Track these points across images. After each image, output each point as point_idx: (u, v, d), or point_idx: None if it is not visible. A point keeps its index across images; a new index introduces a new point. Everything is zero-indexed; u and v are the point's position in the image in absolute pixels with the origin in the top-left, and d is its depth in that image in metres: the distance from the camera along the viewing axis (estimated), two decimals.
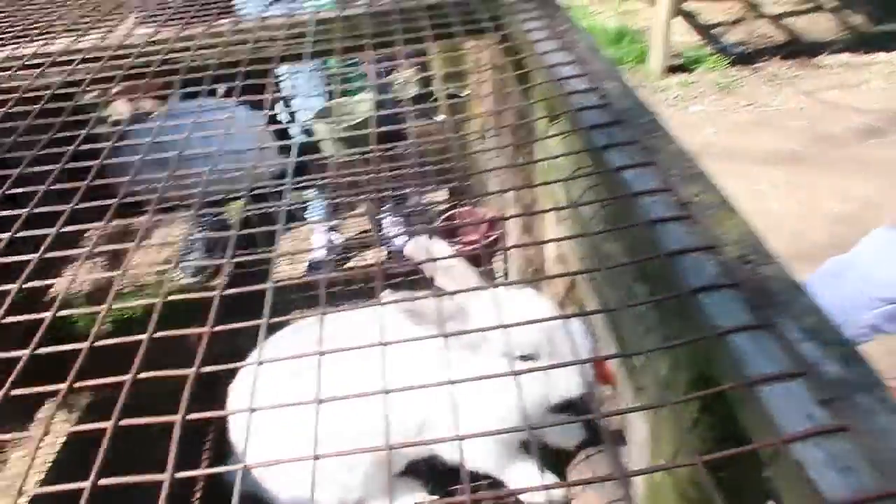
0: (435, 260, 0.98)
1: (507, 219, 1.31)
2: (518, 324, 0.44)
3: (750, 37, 4.58)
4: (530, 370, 0.41)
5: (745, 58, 4.27)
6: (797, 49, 4.34)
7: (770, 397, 0.34)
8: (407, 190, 1.64)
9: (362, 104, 1.68)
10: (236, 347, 0.62)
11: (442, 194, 2.23)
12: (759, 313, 0.39)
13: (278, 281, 0.53)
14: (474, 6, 0.92)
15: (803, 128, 3.64)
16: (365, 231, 2.47)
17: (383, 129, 0.67)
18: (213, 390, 1.02)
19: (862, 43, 4.36)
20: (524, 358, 0.99)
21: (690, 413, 0.45)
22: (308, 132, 1.83)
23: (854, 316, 0.92)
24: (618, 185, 0.52)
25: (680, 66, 4.17)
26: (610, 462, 1.10)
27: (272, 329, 0.56)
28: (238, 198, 1.45)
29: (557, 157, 0.64)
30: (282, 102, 1.93)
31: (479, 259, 1.41)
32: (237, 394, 1.13)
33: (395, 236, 2.36)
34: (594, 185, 0.60)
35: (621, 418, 0.83)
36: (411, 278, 1.43)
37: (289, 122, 2.01)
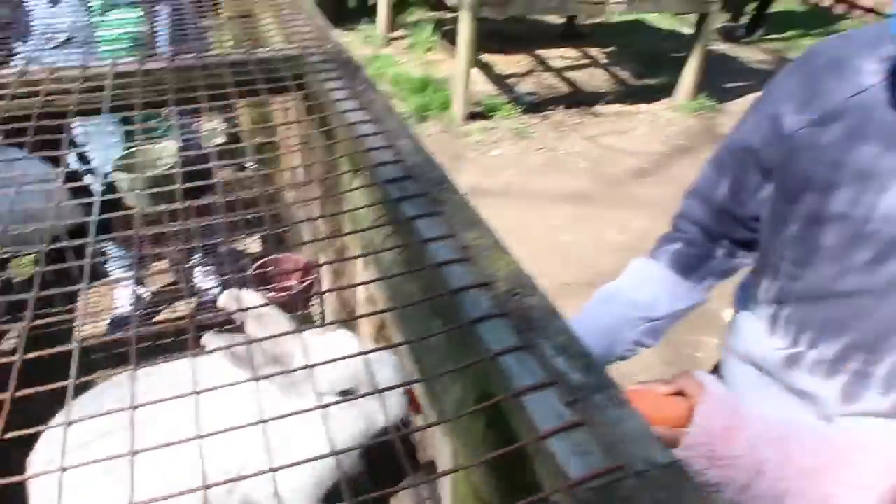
0: (246, 309, 0.99)
1: (320, 265, 1.35)
2: (325, 362, 0.49)
3: (539, 87, 5.08)
4: (338, 402, 0.46)
5: (536, 106, 4.72)
6: (578, 99, 4.89)
7: (530, 404, 0.42)
8: (217, 240, 1.62)
9: (165, 153, 1.64)
10: (32, 417, 0.59)
11: (255, 243, 2.22)
12: (523, 336, 0.47)
13: (84, 340, 0.53)
14: (277, 64, 0.96)
15: (587, 168, 4.10)
16: (174, 283, 2.37)
17: (189, 184, 0.69)
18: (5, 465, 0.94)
19: (629, 94, 5.02)
20: (344, 393, 1.03)
21: (478, 429, 0.52)
22: (109, 184, 1.74)
23: (621, 335, 1.08)
24: (411, 232, 0.60)
25: (480, 114, 4.51)
26: (426, 491, 1.16)
27: (78, 393, 0.55)
28: (29, 254, 1.34)
29: (360, 208, 0.70)
30: (76, 155, 1.82)
31: (295, 305, 1.43)
32: (38, 464, 1.04)
33: (208, 288, 2.28)
34: (392, 233, 0.66)
35: (433, 447, 0.90)
36: (226, 328, 1.42)
37: (86, 172, 1.89)
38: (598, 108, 4.80)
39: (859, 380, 0.97)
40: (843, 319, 0.96)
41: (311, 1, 1.25)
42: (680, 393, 0.88)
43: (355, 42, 5.53)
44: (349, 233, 0.75)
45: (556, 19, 6.12)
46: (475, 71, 5.10)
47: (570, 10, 4.40)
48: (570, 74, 5.35)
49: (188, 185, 0.69)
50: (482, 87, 4.94)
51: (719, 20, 5.36)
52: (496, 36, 5.70)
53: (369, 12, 5.80)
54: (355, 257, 0.77)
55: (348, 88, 0.89)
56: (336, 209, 0.93)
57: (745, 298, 1.16)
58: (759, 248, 1.07)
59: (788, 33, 6.64)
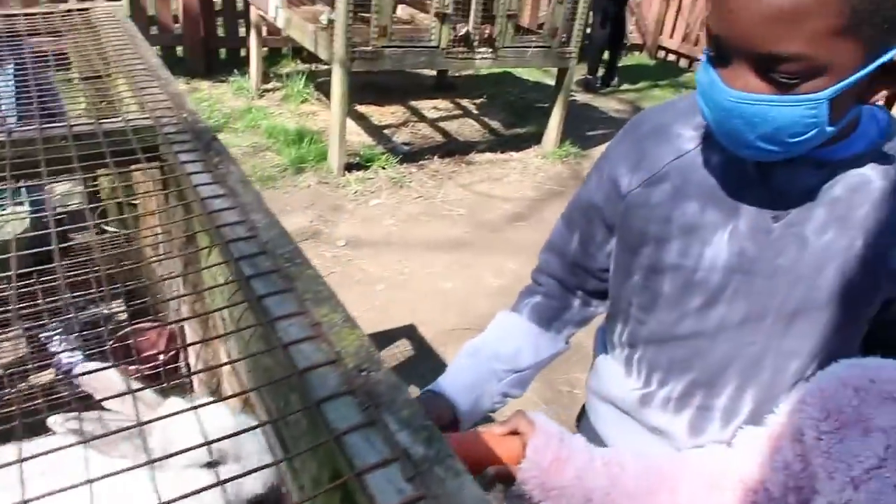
0: (101, 385, 0.94)
1: (188, 345, 1.31)
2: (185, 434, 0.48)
3: (414, 137, 5.20)
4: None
5: (412, 156, 4.83)
6: (452, 148, 5.05)
7: (373, 482, 0.43)
8: (72, 310, 1.53)
9: (7, 224, 1.54)
10: None
11: (119, 312, 2.10)
12: (369, 412, 0.49)
13: None
14: (128, 135, 0.94)
15: (465, 215, 4.22)
16: (24, 356, 2.18)
17: (36, 249, 0.66)
18: None
19: (500, 143, 5.25)
20: (210, 465, 0.99)
21: None
22: None
23: (489, 388, 1.12)
24: (263, 311, 0.60)
25: (357, 164, 4.55)
26: None
27: None
28: None
29: (214, 287, 0.70)
30: None
31: (161, 375, 1.37)
32: None
33: (67, 360, 2.12)
34: (248, 309, 0.67)
35: None
36: (85, 403, 1.33)
37: None
38: (472, 156, 4.98)
39: (703, 413, 1.06)
40: (685, 359, 1.05)
41: (163, 66, 1.24)
42: (515, 432, 0.93)
43: (227, 94, 5.44)
44: (206, 313, 0.75)
45: (429, 71, 6.33)
46: (351, 122, 5.15)
47: (438, 65, 4.57)
48: (444, 124, 5.52)
49: (34, 250, 0.65)
50: (358, 137, 5.00)
51: (578, 73, 5.75)
52: (371, 87, 5.81)
53: (241, 63, 5.74)
54: (215, 337, 0.76)
55: (202, 161, 0.88)
56: (196, 281, 0.91)
57: (603, 342, 1.24)
58: (610, 297, 1.15)
59: (641, 84, 7.24)
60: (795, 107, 0.78)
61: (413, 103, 5.80)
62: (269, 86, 5.59)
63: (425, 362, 2.88)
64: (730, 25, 0.78)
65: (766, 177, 0.94)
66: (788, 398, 0.87)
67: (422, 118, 5.58)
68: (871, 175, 0.91)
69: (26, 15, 1.51)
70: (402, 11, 4.89)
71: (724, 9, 0.78)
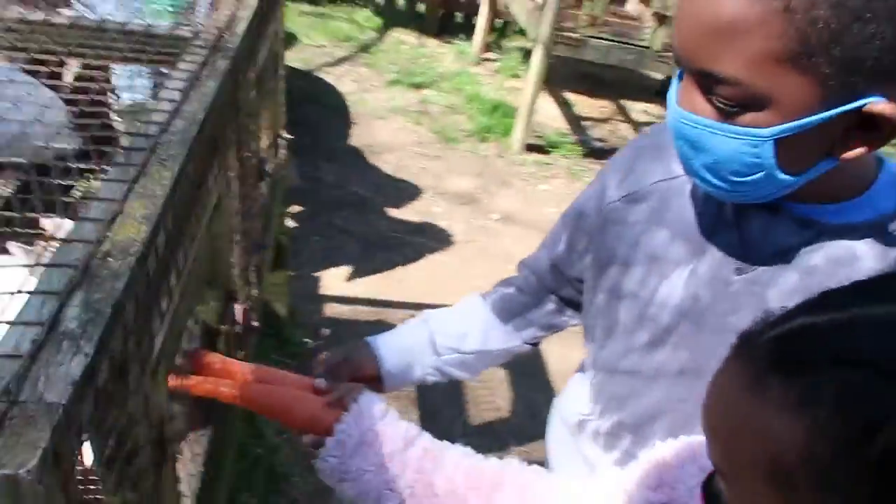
0: None
1: None
2: None
3: (610, 136, 5.04)
4: None
5: (600, 153, 4.69)
6: None
7: None
8: None
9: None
10: None
11: None
12: None
13: None
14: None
15: None
16: None
17: None
18: None
19: None
20: None
21: None
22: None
23: (422, 358, 1.10)
24: None
25: (540, 147, 4.54)
26: None
27: None
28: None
29: None
30: None
31: None
32: None
33: None
34: None
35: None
36: None
37: None
38: None
39: (627, 460, 0.97)
40: (621, 397, 0.99)
41: None
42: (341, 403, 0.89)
43: (448, 55, 5.69)
44: None
45: (657, 74, 6.04)
46: (553, 105, 5.14)
47: (645, 66, 4.36)
48: (647, 129, 5.27)
49: None
50: (553, 122, 4.97)
51: None
52: (588, 78, 5.70)
53: (472, 30, 5.95)
54: None
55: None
56: None
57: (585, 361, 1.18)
58: (583, 312, 1.09)
59: None
60: (733, 139, 0.69)
61: (624, 102, 5.60)
62: (490, 55, 5.74)
63: None
64: (677, 36, 0.71)
65: (741, 221, 0.83)
66: (655, 450, 0.77)
67: (627, 119, 5.38)
68: (863, 252, 0.76)
69: None
70: (632, 7, 4.72)
71: (676, 18, 0.72)
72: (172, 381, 0.92)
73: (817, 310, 0.47)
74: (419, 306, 2.93)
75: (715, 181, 0.74)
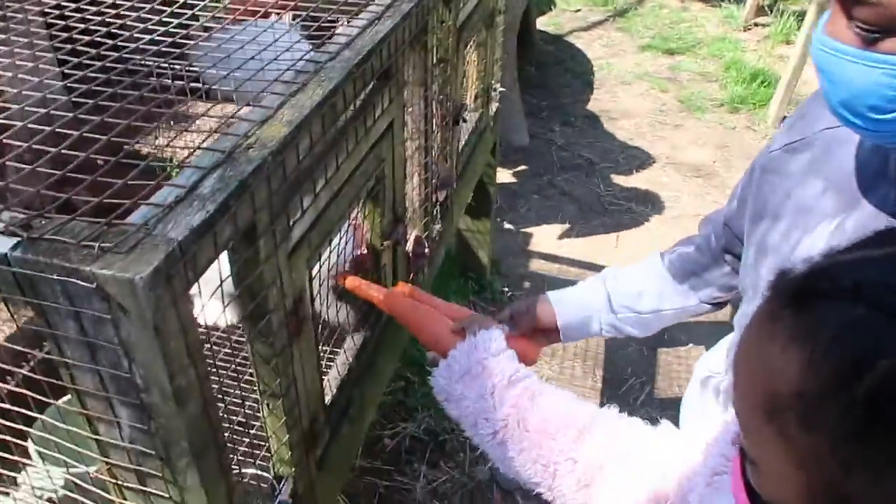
0: None
1: None
2: None
3: None
4: None
5: None
6: None
7: None
8: None
9: None
10: None
11: None
12: None
13: None
14: None
15: None
16: None
17: None
18: None
19: None
20: None
21: None
22: None
23: (599, 315, 1.12)
24: None
25: None
26: None
27: None
28: None
29: None
30: None
31: None
32: None
33: None
34: None
35: None
36: None
37: None
38: None
39: None
40: None
41: None
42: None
43: (711, 20, 5.30)
44: None
45: None
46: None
47: None
48: None
49: None
50: None
51: None
52: None
53: None
54: None
55: None
56: None
57: None
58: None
59: None
60: (871, 68, 0.64)
61: None
62: (762, 20, 5.22)
63: None
64: None
65: None
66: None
67: None
68: None
69: None
70: None
71: None
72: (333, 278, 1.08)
73: (845, 251, 0.45)
74: None
75: (853, 120, 0.69)
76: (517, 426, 0.85)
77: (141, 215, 0.62)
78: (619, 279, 1.16)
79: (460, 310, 1.07)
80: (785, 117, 4.03)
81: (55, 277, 0.56)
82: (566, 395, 0.90)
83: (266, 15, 1.13)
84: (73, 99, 0.79)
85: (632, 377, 2.42)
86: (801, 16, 4.97)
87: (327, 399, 1.08)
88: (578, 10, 5.39)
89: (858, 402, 0.38)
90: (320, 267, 1.03)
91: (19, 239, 0.57)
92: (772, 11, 5.20)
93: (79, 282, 0.55)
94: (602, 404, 0.90)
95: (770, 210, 0.91)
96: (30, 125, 0.73)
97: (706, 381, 1.06)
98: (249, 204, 0.71)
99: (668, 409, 2.26)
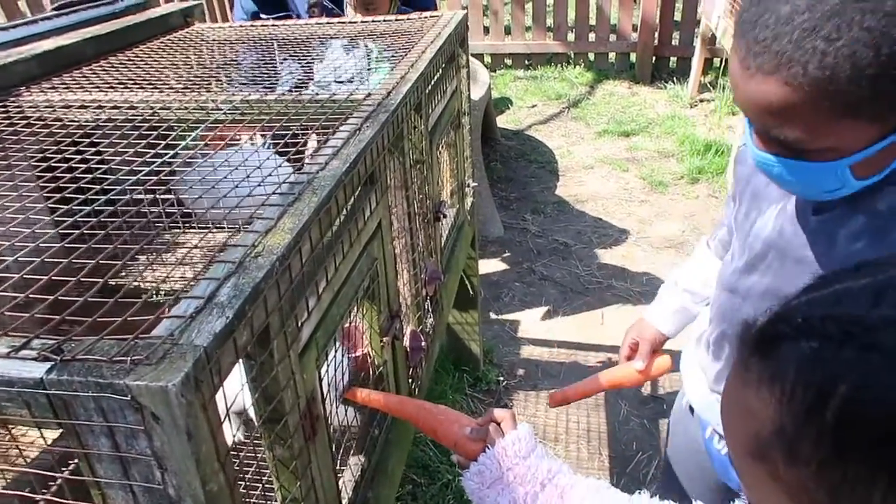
0: None
1: None
2: None
3: None
4: None
5: None
6: None
7: None
8: None
9: None
10: None
11: None
12: None
13: None
14: None
15: None
16: None
17: None
18: None
19: None
20: None
21: None
22: None
23: (690, 312, 1.37)
24: None
25: None
26: None
27: None
28: None
29: None
30: None
31: None
32: None
33: None
34: None
35: None
36: None
37: None
38: None
39: (728, 367, 1.05)
40: (725, 310, 1.14)
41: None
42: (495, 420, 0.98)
43: (661, 101, 5.62)
44: None
45: None
46: None
47: None
48: None
49: None
50: None
51: None
52: None
53: (688, 73, 5.82)
54: None
55: None
56: None
57: None
58: None
59: None
60: (811, 172, 0.80)
61: None
62: (705, 96, 5.55)
63: None
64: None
65: None
66: None
67: None
68: None
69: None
70: None
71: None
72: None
73: (795, 297, 0.50)
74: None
75: (808, 194, 0.88)
76: None
77: (165, 327, 0.65)
78: (687, 278, 1.36)
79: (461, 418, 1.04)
80: None
81: (89, 395, 0.58)
82: (598, 484, 0.91)
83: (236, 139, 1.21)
84: (66, 245, 0.82)
85: (637, 452, 2.40)
86: None
87: (344, 502, 1.07)
88: (534, 106, 5.69)
89: (829, 429, 0.41)
90: (327, 368, 1.05)
91: (53, 362, 0.60)
92: (714, 87, 5.54)
93: (113, 395, 0.58)
94: (613, 484, 0.91)
95: (737, 194, 1.12)
96: (25, 276, 0.75)
97: (700, 337, 1.24)
98: (263, 308, 0.74)
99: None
